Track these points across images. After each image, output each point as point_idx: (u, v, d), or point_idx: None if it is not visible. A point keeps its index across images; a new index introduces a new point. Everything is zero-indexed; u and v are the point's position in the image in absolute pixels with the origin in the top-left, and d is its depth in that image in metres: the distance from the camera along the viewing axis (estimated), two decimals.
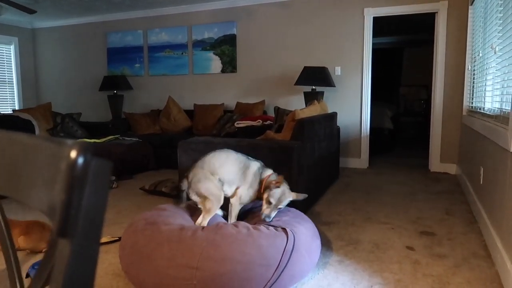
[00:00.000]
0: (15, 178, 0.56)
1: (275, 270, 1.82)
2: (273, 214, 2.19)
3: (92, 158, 0.38)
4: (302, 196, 2.30)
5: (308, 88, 5.22)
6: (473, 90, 4.21)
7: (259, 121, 4.81)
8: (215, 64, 5.96)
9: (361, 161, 5.29)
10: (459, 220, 3.07)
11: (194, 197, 2.25)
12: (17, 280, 0.55)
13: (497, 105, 2.84)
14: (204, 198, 2.21)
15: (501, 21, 2.78)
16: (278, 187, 2.20)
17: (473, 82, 4.20)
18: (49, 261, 0.45)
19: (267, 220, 2.14)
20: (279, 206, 2.21)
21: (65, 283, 0.39)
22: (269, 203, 2.18)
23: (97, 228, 0.41)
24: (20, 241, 2.43)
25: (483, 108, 3.40)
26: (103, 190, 0.40)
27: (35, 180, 0.52)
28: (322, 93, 5.17)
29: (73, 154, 0.37)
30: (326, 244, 2.57)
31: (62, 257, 0.40)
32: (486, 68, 3.35)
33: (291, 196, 2.25)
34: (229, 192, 2.33)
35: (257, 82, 5.75)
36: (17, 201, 0.55)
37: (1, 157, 0.59)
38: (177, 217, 2.17)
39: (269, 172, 2.34)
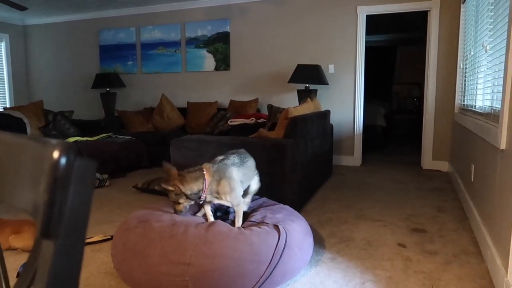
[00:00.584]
0: (1, 178, 0.56)
1: (267, 267, 1.82)
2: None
3: (75, 158, 0.38)
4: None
5: (301, 86, 5.23)
6: (464, 88, 4.24)
7: (253, 119, 4.81)
8: (209, 61, 5.95)
9: (354, 158, 5.31)
10: (450, 217, 3.09)
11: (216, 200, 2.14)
12: (2, 280, 0.55)
13: (488, 103, 2.86)
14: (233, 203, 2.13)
15: (492, 20, 2.80)
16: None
17: (465, 80, 4.23)
18: (34, 261, 0.44)
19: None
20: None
21: (49, 284, 0.39)
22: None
23: (81, 228, 0.40)
24: (11, 240, 2.41)
25: (474, 106, 3.43)
26: (87, 190, 0.40)
27: (19, 180, 0.51)
28: (315, 91, 5.18)
29: (55, 154, 0.37)
30: (319, 242, 2.58)
31: (46, 257, 0.39)
32: (478, 67, 3.38)
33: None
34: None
35: (251, 80, 5.74)
36: (1, 200, 0.54)
37: None
38: (170, 214, 2.16)
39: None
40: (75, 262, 0.41)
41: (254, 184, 2.42)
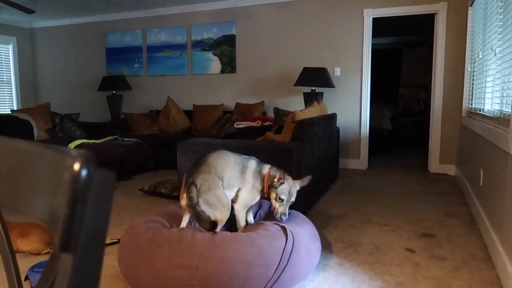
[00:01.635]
0: (13, 186, 0.55)
1: (275, 270, 1.81)
2: (287, 210, 2.16)
3: (95, 170, 0.37)
4: (307, 180, 2.24)
5: (307, 89, 5.22)
6: (472, 92, 4.21)
7: (259, 122, 4.80)
8: (214, 64, 5.95)
9: (360, 162, 5.28)
10: (458, 222, 3.06)
11: (205, 207, 2.00)
12: (16, 285, 0.54)
13: (497, 107, 2.83)
14: (214, 208, 2.02)
15: (501, 23, 2.78)
16: (283, 183, 2.13)
17: (473, 83, 4.20)
18: (51, 274, 0.44)
19: (284, 218, 2.10)
20: (292, 200, 2.17)
21: None
22: (280, 200, 2.11)
23: (100, 241, 0.40)
24: (19, 243, 2.41)
25: (483, 110, 3.40)
26: (106, 203, 0.39)
27: (34, 188, 0.50)
28: (321, 94, 5.16)
29: (76, 166, 0.36)
30: (326, 246, 2.56)
31: (65, 271, 0.39)
32: (486, 70, 3.35)
33: (297, 185, 2.20)
34: (230, 197, 2.15)
35: (257, 83, 5.74)
36: (16, 209, 0.54)
37: (1, 164, 0.57)
38: (177, 218, 2.15)
39: (267, 167, 2.24)
40: (94, 275, 0.40)
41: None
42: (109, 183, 0.39)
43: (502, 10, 2.78)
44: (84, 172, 0.36)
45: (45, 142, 5.30)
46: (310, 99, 4.94)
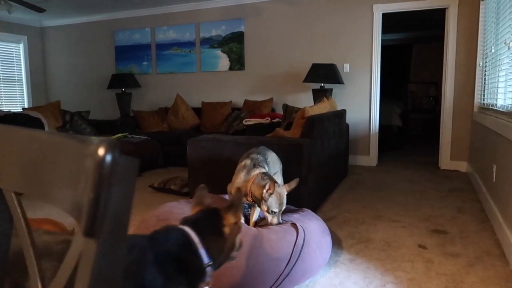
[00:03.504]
0: (35, 176, 0.55)
1: (287, 264, 1.81)
2: (280, 218, 2.12)
3: (120, 156, 0.37)
4: (294, 183, 2.16)
5: (316, 86, 5.19)
6: (484, 87, 4.16)
7: (268, 119, 4.79)
8: (223, 61, 5.95)
9: (370, 158, 5.25)
10: (471, 218, 3.03)
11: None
12: (38, 280, 0.54)
13: (510, 102, 2.79)
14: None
15: None
16: (272, 193, 2.06)
17: (485, 78, 4.14)
18: (72, 260, 0.44)
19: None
20: (283, 208, 2.12)
21: (92, 282, 0.38)
22: (273, 213, 2.07)
23: (123, 227, 0.40)
24: None
25: (496, 105, 3.35)
26: (130, 188, 0.39)
27: (56, 178, 0.51)
28: (330, 90, 5.14)
29: (101, 151, 0.36)
30: (337, 243, 2.55)
31: (89, 256, 0.39)
32: (499, 64, 3.30)
33: (285, 190, 2.14)
34: None
35: (265, 80, 5.73)
36: (30, 197, 0.54)
37: (21, 154, 0.58)
38: (188, 212, 2.16)
39: (256, 172, 2.17)
40: (117, 260, 0.40)
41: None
42: (133, 170, 0.39)
43: None
44: (109, 157, 0.36)
45: None
46: (319, 95, 4.91)
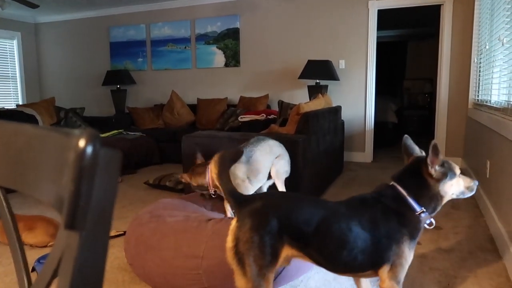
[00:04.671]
0: (20, 170, 0.55)
1: None
2: None
3: (101, 148, 0.37)
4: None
5: (312, 82, 5.19)
6: (479, 83, 4.17)
7: (263, 115, 4.79)
8: (218, 58, 5.93)
9: (365, 155, 5.26)
10: (465, 214, 3.05)
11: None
12: (24, 275, 0.54)
13: (504, 98, 2.80)
14: None
15: (509, 13, 2.74)
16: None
17: (479, 74, 4.16)
18: (57, 253, 0.43)
19: None
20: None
21: (74, 277, 0.38)
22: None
23: (106, 219, 0.39)
24: (24, 236, 2.43)
25: (490, 101, 3.37)
26: (112, 181, 0.39)
27: (41, 172, 0.50)
28: (326, 86, 5.14)
29: (81, 143, 0.36)
30: None
31: (71, 250, 0.38)
32: (493, 61, 3.31)
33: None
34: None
35: (261, 76, 5.72)
36: (23, 194, 0.53)
37: (6, 148, 0.57)
38: (182, 209, 2.16)
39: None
40: (100, 253, 0.40)
41: (279, 168, 2.37)
42: (115, 161, 0.39)
43: (511, 0, 2.74)
44: (89, 149, 0.36)
45: None
46: (315, 92, 4.91)
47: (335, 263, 1.33)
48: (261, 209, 1.29)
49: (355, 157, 5.30)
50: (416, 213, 1.35)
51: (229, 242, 1.29)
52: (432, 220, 1.39)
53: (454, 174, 1.40)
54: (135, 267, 1.90)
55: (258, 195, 1.38)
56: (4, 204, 0.59)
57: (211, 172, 2.15)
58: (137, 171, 4.82)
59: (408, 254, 1.33)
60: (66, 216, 0.36)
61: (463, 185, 1.43)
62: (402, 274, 1.33)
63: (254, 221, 1.26)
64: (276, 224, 1.27)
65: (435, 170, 1.36)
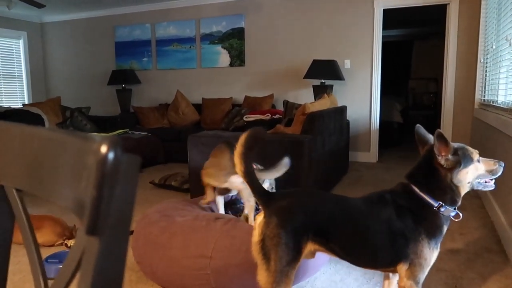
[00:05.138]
0: (36, 173, 0.55)
1: None
2: None
3: (122, 153, 0.37)
4: None
5: (317, 82, 5.18)
6: (485, 83, 4.15)
7: (268, 115, 4.79)
8: (223, 57, 5.94)
9: (370, 155, 5.25)
10: (471, 214, 3.03)
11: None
12: (40, 276, 0.55)
13: (511, 99, 2.79)
14: None
15: None
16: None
17: (486, 74, 4.13)
18: (75, 257, 0.44)
19: None
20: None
21: (94, 281, 0.38)
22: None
23: (126, 225, 0.40)
24: None
25: (497, 101, 3.35)
26: (132, 186, 0.39)
27: (58, 176, 0.50)
28: (331, 86, 5.13)
29: (103, 149, 0.36)
30: None
31: (91, 255, 0.39)
32: (500, 61, 3.29)
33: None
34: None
35: (266, 76, 5.72)
36: (38, 196, 0.54)
37: (22, 152, 0.58)
38: (191, 209, 2.16)
39: None
40: (120, 258, 0.40)
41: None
42: (135, 167, 0.39)
43: None
44: (111, 155, 0.36)
45: None
46: (320, 91, 4.91)
47: (356, 258, 1.39)
48: (287, 207, 1.34)
49: (360, 157, 5.29)
50: (434, 208, 1.32)
51: (256, 236, 1.33)
52: (458, 212, 1.35)
53: (470, 161, 1.33)
54: (142, 265, 1.91)
55: (284, 193, 1.41)
56: (20, 206, 0.59)
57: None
58: (142, 170, 4.84)
59: (428, 253, 1.31)
60: (88, 222, 0.36)
61: (483, 169, 1.37)
62: (422, 275, 1.33)
63: (280, 219, 1.30)
64: (301, 222, 1.32)
65: (445, 159, 1.32)
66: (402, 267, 1.33)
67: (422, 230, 1.31)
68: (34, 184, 0.56)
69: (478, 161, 1.36)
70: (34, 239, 0.58)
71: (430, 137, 1.47)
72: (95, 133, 4.97)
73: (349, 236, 1.35)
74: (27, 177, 0.57)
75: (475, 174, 1.36)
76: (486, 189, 1.40)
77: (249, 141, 1.34)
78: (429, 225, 1.33)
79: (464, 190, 1.37)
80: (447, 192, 1.34)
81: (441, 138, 1.31)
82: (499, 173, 1.38)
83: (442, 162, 1.33)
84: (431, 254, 1.32)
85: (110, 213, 0.37)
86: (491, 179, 1.39)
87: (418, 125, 1.54)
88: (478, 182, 1.38)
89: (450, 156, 1.33)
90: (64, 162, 0.50)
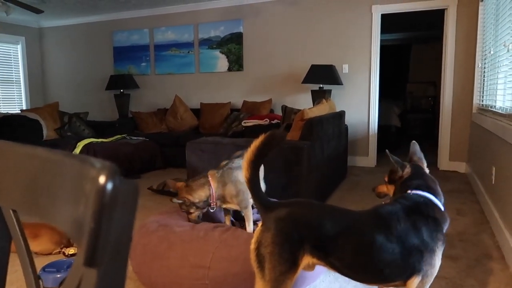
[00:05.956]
0: (33, 194, 0.55)
1: None
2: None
3: (120, 182, 0.37)
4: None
5: (315, 87, 5.19)
6: (483, 88, 4.16)
7: (266, 120, 4.79)
8: (222, 62, 5.94)
9: (368, 159, 5.25)
10: (470, 220, 3.03)
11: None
12: (33, 283, 0.54)
13: (509, 104, 2.79)
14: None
15: None
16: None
17: (484, 79, 4.14)
18: (72, 285, 0.43)
19: None
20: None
21: None
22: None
23: (124, 254, 0.39)
24: (29, 244, 2.43)
25: (495, 107, 3.35)
26: (131, 215, 0.38)
27: (55, 198, 0.50)
28: (329, 91, 5.13)
29: (102, 179, 0.35)
30: None
31: (89, 285, 0.38)
32: (498, 66, 3.30)
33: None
34: None
35: (264, 81, 5.72)
36: (35, 217, 0.53)
37: (20, 172, 0.57)
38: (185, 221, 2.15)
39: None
40: (118, 287, 0.39)
41: (261, 172, 2.39)
42: (134, 195, 0.38)
43: None
44: (110, 185, 0.35)
45: (54, 141, 5.34)
46: (318, 96, 4.91)
47: (359, 274, 1.35)
48: (284, 217, 1.32)
49: (358, 162, 5.29)
50: (443, 212, 1.40)
51: (252, 244, 1.33)
52: None
53: None
54: (141, 275, 1.89)
55: (284, 202, 1.40)
56: (17, 227, 0.58)
57: (213, 182, 2.11)
58: (140, 176, 4.82)
59: (438, 262, 1.34)
60: (86, 254, 0.36)
61: None
62: (430, 283, 1.34)
63: (277, 228, 1.29)
64: (297, 233, 1.30)
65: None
66: (415, 280, 1.30)
67: (441, 236, 1.34)
68: (31, 205, 0.55)
69: None
70: (31, 261, 0.57)
71: (418, 153, 1.67)
72: (90, 138, 4.96)
73: (351, 252, 1.31)
74: (24, 197, 0.56)
75: None
76: None
77: (263, 148, 1.33)
78: (442, 230, 1.37)
79: None
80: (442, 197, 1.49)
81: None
82: None
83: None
84: (440, 260, 1.36)
85: (108, 244, 0.36)
86: None
87: (413, 141, 1.64)
88: None
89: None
90: (61, 184, 0.49)
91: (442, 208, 1.40)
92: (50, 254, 2.45)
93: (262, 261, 1.29)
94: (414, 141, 1.61)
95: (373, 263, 1.29)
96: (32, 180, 0.54)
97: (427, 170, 1.54)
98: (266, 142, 1.32)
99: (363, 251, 1.30)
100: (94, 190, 0.36)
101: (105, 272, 0.37)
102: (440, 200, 1.42)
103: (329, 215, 1.36)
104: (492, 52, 3.67)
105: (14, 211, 0.60)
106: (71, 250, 2.44)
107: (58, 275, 2.05)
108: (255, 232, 1.35)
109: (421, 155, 1.60)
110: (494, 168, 2.91)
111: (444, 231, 1.37)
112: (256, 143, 1.31)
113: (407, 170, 1.54)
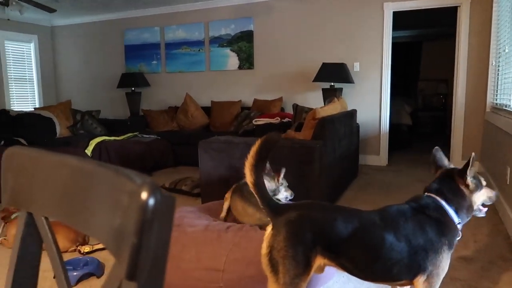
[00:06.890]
0: (65, 202, 0.56)
1: None
2: None
3: (160, 197, 0.37)
4: None
5: (326, 85, 5.16)
6: (497, 87, 4.10)
7: (277, 119, 4.79)
8: (232, 60, 5.94)
9: (380, 158, 5.22)
10: (484, 221, 3.00)
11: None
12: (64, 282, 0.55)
13: None
14: None
15: None
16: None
17: (498, 78, 4.09)
18: None
19: None
20: None
21: None
22: None
23: (162, 267, 0.40)
24: None
25: (509, 106, 3.31)
26: (168, 229, 0.39)
27: (89, 207, 0.51)
28: (340, 89, 5.11)
29: (144, 195, 0.36)
30: None
31: None
32: None
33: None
34: None
35: (275, 79, 5.71)
36: (70, 225, 0.54)
37: (51, 180, 0.58)
38: (200, 217, 2.17)
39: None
40: None
41: None
42: (170, 209, 0.39)
43: None
44: (152, 202, 0.36)
45: (67, 139, 5.40)
46: (329, 95, 4.89)
47: (368, 274, 1.37)
48: (295, 220, 1.32)
49: (370, 161, 5.27)
50: (456, 223, 1.40)
51: (264, 249, 1.34)
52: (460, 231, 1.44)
53: (482, 186, 1.46)
54: None
55: (293, 205, 1.41)
56: (49, 234, 0.60)
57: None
58: (152, 174, 4.86)
59: (445, 263, 1.36)
60: (127, 268, 0.37)
61: (486, 195, 1.49)
62: (438, 284, 1.36)
63: (288, 231, 1.30)
64: (309, 235, 1.31)
65: (471, 181, 1.42)
66: (420, 279, 1.34)
67: (446, 240, 1.35)
68: (63, 212, 0.56)
69: (484, 186, 1.49)
70: (63, 266, 0.59)
71: (446, 161, 1.58)
72: (103, 136, 5.00)
73: (361, 252, 1.33)
74: (56, 205, 0.57)
75: (482, 199, 1.47)
76: (480, 215, 1.51)
77: (261, 151, 1.34)
78: (451, 236, 1.37)
79: (473, 211, 1.48)
80: (468, 211, 1.44)
81: (473, 161, 1.42)
82: (493, 202, 1.51)
83: (470, 183, 1.42)
84: (447, 264, 1.37)
85: (148, 259, 0.37)
86: (485, 206, 1.51)
87: (436, 147, 1.60)
88: (478, 206, 1.49)
89: (471, 179, 1.42)
90: (94, 194, 0.50)
91: (455, 220, 1.39)
92: (66, 251, 2.49)
93: (275, 265, 1.30)
94: (437, 147, 1.60)
95: (382, 262, 1.32)
96: (64, 189, 0.55)
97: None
98: (264, 145, 1.34)
99: (373, 250, 1.33)
100: (136, 206, 0.37)
101: (144, 285, 0.38)
102: (456, 213, 1.41)
103: (340, 216, 1.37)
104: (507, 50, 3.62)
105: (46, 218, 0.61)
106: (86, 248, 2.47)
107: (75, 273, 2.08)
108: (265, 237, 1.35)
109: (446, 161, 1.60)
110: (509, 168, 2.88)
111: (453, 240, 1.38)
112: (254, 147, 1.33)
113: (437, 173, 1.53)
